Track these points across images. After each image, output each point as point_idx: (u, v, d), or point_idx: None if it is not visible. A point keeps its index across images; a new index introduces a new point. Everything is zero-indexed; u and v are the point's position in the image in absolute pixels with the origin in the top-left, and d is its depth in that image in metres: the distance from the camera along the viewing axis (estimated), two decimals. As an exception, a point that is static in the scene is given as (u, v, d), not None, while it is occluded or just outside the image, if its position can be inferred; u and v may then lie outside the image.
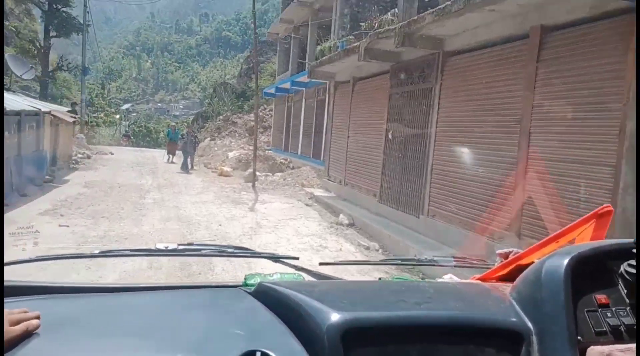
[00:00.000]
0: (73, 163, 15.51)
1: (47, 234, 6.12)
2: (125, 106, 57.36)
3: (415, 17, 6.62)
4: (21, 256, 1.28)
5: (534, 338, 0.92)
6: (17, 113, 9.39)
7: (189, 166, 16.20)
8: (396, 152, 8.13)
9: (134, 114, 56.39)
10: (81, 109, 23.90)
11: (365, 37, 8.28)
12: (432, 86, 7.04)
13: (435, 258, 1.60)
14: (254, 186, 12.63)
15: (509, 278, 1.21)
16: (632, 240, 1.02)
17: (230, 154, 18.07)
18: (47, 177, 11.39)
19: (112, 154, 20.49)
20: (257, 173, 13.49)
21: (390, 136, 8.42)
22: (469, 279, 1.37)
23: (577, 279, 0.95)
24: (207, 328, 0.96)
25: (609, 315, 0.96)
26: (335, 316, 0.87)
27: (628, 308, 0.97)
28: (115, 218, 7.81)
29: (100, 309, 1.03)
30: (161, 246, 1.40)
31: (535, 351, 0.91)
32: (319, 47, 13.39)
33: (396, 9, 10.03)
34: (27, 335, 0.83)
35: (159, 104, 73.79)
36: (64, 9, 21.13)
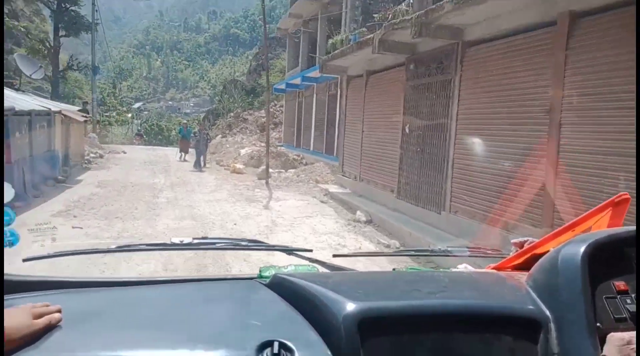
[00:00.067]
0: (86, 163, 15.49)
1: (61, 236, 5.99)
2: (137, 104, 57.70)
3: (433, 6, 6.35)
4: (40, 252, 1.28)
5: (552, 326, 0.91)
6: (27, 113, 9.31)
7: (202, 164, 16.12)
8: (414, 147, 7.89)
9: (146, 112, 56.64)
10: (92, 108, 23.97)
11: (379, 29, 8.03)
12: (452, 78, 6.78)
13: (449, 249, 1.59)
14: (267, 183, 12.48)
15: (525, 267, 1.19)
16: None
17: (242, 151, 17.94)
18: (59, 177, 11.34)
19: (124, 153, 20.50)
20: (270, 170, 13.34)
21: (407, 130, 8.18)
22: (484, 269, 1.35)
23: (594, 266, 0.93)
24: (225, 319, 0.97)
25: (628, 301, 0.95)
26: (350, 306, 0.87)
27: None
28: (129, 218, 7.70)
29: (119, 302, 1.04)
30: (176, 240, 1.41)
31: (554, 338, 0.90)
32: (330, 41, 13.15)
33: (410, -1, 9.76)
34: (50, 328, 0.85)
35: (170, 103, 74.13)
36: (73, 8, 21.11)
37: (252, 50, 61.89)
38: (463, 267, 1.48)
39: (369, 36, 8.62)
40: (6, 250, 1.12)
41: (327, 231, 7.57)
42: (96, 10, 23.92)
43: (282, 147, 19.41)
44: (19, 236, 1.18)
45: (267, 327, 0.89)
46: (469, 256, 1.57)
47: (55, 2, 21.11)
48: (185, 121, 25.71)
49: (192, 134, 18.28)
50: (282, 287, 1.07)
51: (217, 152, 20.23)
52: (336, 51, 10.69)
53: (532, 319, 0.93)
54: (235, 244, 1.52)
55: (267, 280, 1.15)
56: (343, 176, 11.73)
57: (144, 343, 0.84)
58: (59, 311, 0.89)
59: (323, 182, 12.65)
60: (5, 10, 21.73)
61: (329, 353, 0.83)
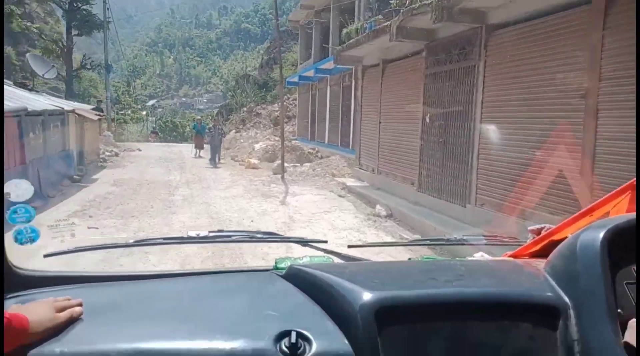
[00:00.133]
0: (101, 161, 15.48)
1: (76, 237, 5.89)
2: (151, 102, 58.04)
3: (455, -11, 6.04)
4: (60, 247, 1.30)
5: (571, 312, 0.90)
6: (40, 113, 9.23)
7: (217, 160, 16.01)
8: (435, 137, 7.59)
9: (160, 109, 56.87)
10: (107, 106, 24.04)
11: (396, 16, 7.72)
12: (475, 64, 6.46)
13: (465, 237, 1.56)
14: (283, 177, 12.29)
15: (542, 254, 1.17)
16: None
17: (257, 146, 17.77)
18: (75, 176, 11.29)
19: (139, 150, 20.49)
20: (285, 164, 13.13)
21: (427, 120, 7.87)
22: (501, 257, 1.33)
23: (614, 251, 0.91)
24: (242, 310, 0.97)
25: None
26: (367, 296, 0.87)
27: None
28: (145, 217, 7.57)
29: (137, 295, 1.06)
30: (193, 234, 1.42)
31: (573, 325, 0.89)
32: (344, 30, 12.86)
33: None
34: (72, 321, 0.88)
35: (184, 99, 74.48)
36: (84, 7, 21.13)
37: (263, 44, 61.69)
38: (479, 256, 1.45)
39: (385, 24, 8.31)
40: (27, 247, 1.16)
41: (347, 226, 7.34)
42: (107, 9, 23.92)
43: (296, 141, 19.19)
44: (39, 232, 1.18)
45: (284, 317, 0.90)
46: (485, 245, 1.54)
47: (67, 1, 21.14)
48: (199, 117, 25.60)
49: (206, 130, 18.19)
50: (298, 278, 1.07)
51: (232, 147, 20.10)
52: (351, 41, 10.39)
53: (550, 306, 0.91)
54: (251, 237, 1.52)
55: (283, 271, 1.15)
56: (360, 168, 11.47)
57: (163, 335, 0.85)
58: (80, 304, 0.92)
59: (339, 175, 12.41)
60: (19, 12, 21.87)
61: (346, 342, 0.84)
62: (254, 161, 15.20)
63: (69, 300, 0.92)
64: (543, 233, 1.26)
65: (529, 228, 1.34)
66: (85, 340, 0.84)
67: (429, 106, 7.79)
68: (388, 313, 0.85)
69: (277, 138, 17.48)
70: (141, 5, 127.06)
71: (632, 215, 1.00)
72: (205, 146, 18.09)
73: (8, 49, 23.70)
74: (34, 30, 22.15)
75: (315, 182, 11.90)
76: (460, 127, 6.83)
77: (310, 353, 0.81)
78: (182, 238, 1.44)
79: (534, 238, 1.29)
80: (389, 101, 9.69)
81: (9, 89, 10.28)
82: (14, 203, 1.14)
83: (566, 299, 0.91)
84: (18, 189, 1.15)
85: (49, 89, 21.43)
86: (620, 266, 0.93)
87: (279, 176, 12.45)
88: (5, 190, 1.12)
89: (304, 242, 1.54)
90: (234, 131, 24.00)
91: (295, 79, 20.62)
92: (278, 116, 20.34)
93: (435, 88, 7.59)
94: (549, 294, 0.93)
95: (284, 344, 0.81)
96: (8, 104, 7.83)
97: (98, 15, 23.03)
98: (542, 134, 5.25)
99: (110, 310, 0.95)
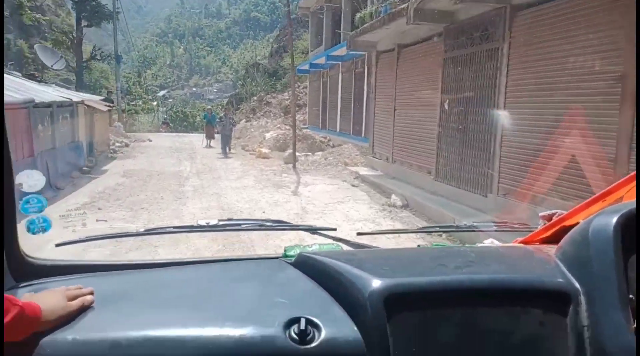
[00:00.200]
0: (111, 152, 15.37)
1: (85, 231, 5.74)
2: (162, 92, 57.97)
3: (476, -34, 5.70)
4: (71, 237, 1.31)
5: (583, 298, 0.88)
6: (49, 105, 9.07)
7: (228, 150, 15.83)
8: (454, 124, 7.27)
9: (170, 100, 56.86)
10: (117, 97, 23.96)
11: (413, -3, 7.37)
12: (499, 46, 6.11)
13: (475, 224, 1.54)
14: (294, 167, 12.06)
15: (553, 240, 1.16)
16: None
17: (267, 135, 17.54)
18: (85, 168, 11.17)
19: (150, 141, 20.38)
20: (297, 153, 12.89)
21: (445, 106, 7.55)
22: (511, 243, 1.32)
23: (627, 237, 0.87)
24: (253, 298, 0.97)
25: None
26: (376, 283, 0.87)
27: None
28: (155, 209, 7.40)
29: (148, 284, 1.07)
30: (203, 222, 1.42)
31: (584, 311, 0.87)
32: (358, 15, 12.49)
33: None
34: (83, 309, 0.89)
35: (194, 89, 74.41)
36: (93, -3, 20.99)
37: (272, 33, 61.21)
38: (489, 242, 1.45)
39: (402, 6, 7.96)
40: (39, 236, 1.17)
41: (362, 217, 7.09)
42: (117, 0, 23.73)
43: (307, 130, 18.93)
44: (51, 222, 1.18)
45: (294, 304, 0.90)
46: (496, 231, 1.52)
47: (76, -8, 21.01)
48: (209, 107, 25.42)
49: (218, 119, 18.00)
50: (307, 265, 1.07)
51: (242, 136, 19.90)
52: (365, 25, 10.05)
53: (561, 292, 0.90)
54: (261, 225, 1.53)
55: (292, 259, 1.15)
56: (374, 157, 11.18)
57: (174, 322, 0.85)
58: (92, 293, 0.93)
59: (352, 164, 12.14)
60: (29, 4, 21.78)
61: (356, 329, 0.84)
62: (264, 150, 14.98)
63: (80, 288, 0.94)
64: (554, 218, 1.24)
65: (540, 214, 1.31)
66: (97, 328, 0.85)
67: (447, 92, 7.47)
68: (397, 300, 0.85)
69: (287, 127, 17.23)
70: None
71: None
72: (215, 135, 17.91)
73: (20, 42, 23.69)
74: (43, 22, 22.05)
75: (328, 171, 11.65)
76: (482, 113, 6.50)
77: (320, 340, 0.82)
78: (192, 226, 1.44)
79: (544, 224, 1.27)
80: (404, 87, 9.36)
81: (18, 81, 10.14)
82: (26, 194, 1.15)
83: (577, 285, 0.90)
84: (30, 180, 1.16)
85: (60, 81, 21.39)
86: (632, 252, 0.90)
87: (291, 165, 12.22)
88: (17, 181, 1.11)
89: (313, 230, 1.53)
90: (244, 120, 23.79)
91: (306, 67, 20.31)
92: (288, 105, 20.07)
93: (454, 73, 7.25)
94: (560, 280, 0.92)
95: (293, 331, 0.82)
96: (15, 96, 7.68)
97: (107, 6, 22.89)
98: (572, 120, 4.92)
99: (120, 298, 0.96)
